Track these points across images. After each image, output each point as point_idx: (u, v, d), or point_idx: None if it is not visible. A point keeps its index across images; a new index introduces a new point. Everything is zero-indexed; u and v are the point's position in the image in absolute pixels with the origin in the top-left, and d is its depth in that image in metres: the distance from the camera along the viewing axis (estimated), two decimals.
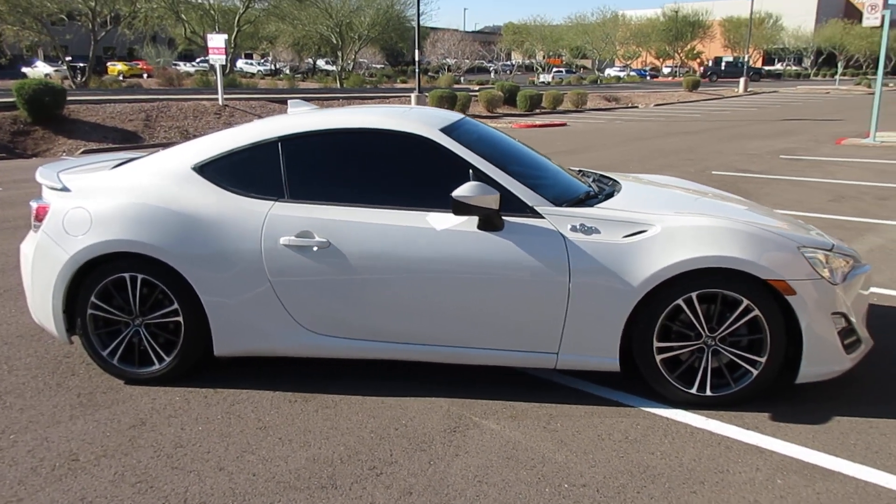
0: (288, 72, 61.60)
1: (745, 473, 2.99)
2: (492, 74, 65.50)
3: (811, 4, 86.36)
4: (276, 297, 3.71)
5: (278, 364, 4.13)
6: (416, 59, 24.81)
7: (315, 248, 3.64)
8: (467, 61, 62.50)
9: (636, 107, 32.65)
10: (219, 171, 3.83)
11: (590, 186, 4.15)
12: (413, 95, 24.87)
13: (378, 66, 64.56)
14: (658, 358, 3.53)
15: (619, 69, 75.62)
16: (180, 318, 3.80)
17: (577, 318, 3.52)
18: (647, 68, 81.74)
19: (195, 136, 18.60)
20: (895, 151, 14.25)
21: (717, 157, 13.42)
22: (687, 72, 79.02)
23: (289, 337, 3.77)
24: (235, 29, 35.94)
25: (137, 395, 3.77)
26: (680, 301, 3.46)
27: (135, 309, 3.85)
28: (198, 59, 61.36)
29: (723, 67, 67.09)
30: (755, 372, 3.49)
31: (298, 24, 41.00)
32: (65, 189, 3.93)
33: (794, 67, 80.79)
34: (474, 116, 25.27)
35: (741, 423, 3.42)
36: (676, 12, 73.50)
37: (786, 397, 3.66)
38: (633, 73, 70.76)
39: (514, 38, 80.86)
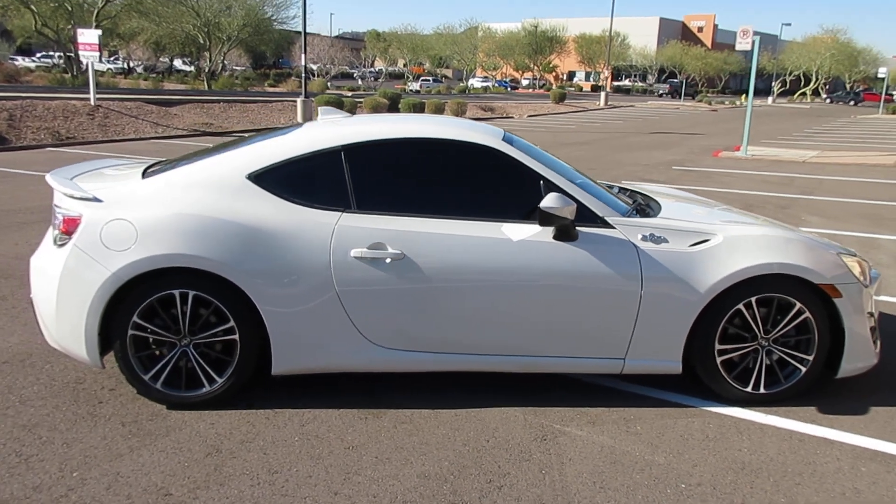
0: (141, 71, 58.17)
1: (830, 464, 3.25)
2: (359, 81, 65.29)
3: (653, 26, 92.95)
4: (343, 310, 3.58)
5: (311, 380, 3.97)
6: (304, 63, 24.28)
7: (388, 260, 3.55)
8: (332, 67, 61.85)
9: (511, 117, 33.72)
10: (277, 180, 3.64)
11: (628, 198, 4.32)
12: (299, 100, 24.30)
13: (239, 69, 62.47)
14: (719, 360, 3.75)
15: (481, 80, 77.68)
16: (236, 336, 3.57)
17: (645, 324, 3.67)
18: (508, 80, 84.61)
19: (69, 139, 17.24)
20: (766, 163, 15.70)
21: (619, 168, 14.19)
22: (544, 84, 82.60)
23: (354, 351, 3.65)
24: (93, 24, 33.54)
25: (190, 421, 3.51)
26: (741, 305, 3.69)
27: (183, 328, 3.58)
28: (38, 54, 56.60)
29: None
30: (804, 369, 3.79)
31: (162, 22, 38.90)
32: (95, 199, 3.58)
33: (640, 84, 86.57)
34: None
35: (798, 417, 3.70)
36: (536, 27, 76.66)
37: (823, 392, 3.98)
38: (497, 84, 72.95)
39: (378, 46, 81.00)
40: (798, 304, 3.70)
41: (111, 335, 3.56)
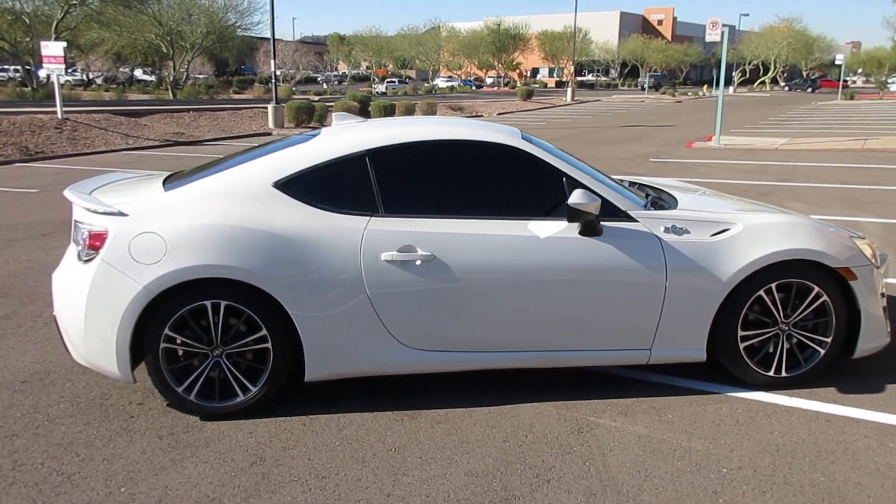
0: (101, 82, 57.16)
1: (860, 441, 3.36)
2: (324, 85, 64.99)
3: (614, 20, 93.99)
4: (375, 314, 3.60)
5: (342, 385, 3.99)
6: (273, 69, 24.11)
7: (418, 262, 3.58)
8: (294, 71, 61.48)
9: (481, 115, 33.83)
10: (303, 187, 3.65)
11: (640, 191, 4.40)
12: (270, 107, 24.15)
13: (202, 77, 61.75)
14: (742, 346, 3.84)
15: (445, 79, 77.84)
16: (269, 345, 3.57)
17: (671, 314, 3.75)
18: (472, 79, 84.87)
19: (38, 153, 16.91)
20: (740, 152, 16.00)
21: (597, 163, 14.35)
22: (508, 82, 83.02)
23: (387, 355, 3.67)
24: (52, 35, 32.92)
25: (227, 431, 3.50)
26: (761, 292, 3.79)
27: (215, 339, 3.57)
28: None
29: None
30: (822, 352, 3.90)
31: (123, 32, 38.28)
32: (121, 213, 3.55)
33: (603, 78, 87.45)
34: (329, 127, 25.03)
35: (820, 398, 3.81)
36: (499, 25, 77.01)
37: (841, 373, 4.10)
38: (462, 84, 73.15)
39: (341, 49, 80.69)
40: (816, 288, 3.81)
41: (143, 349, 3.54)
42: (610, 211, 3.75)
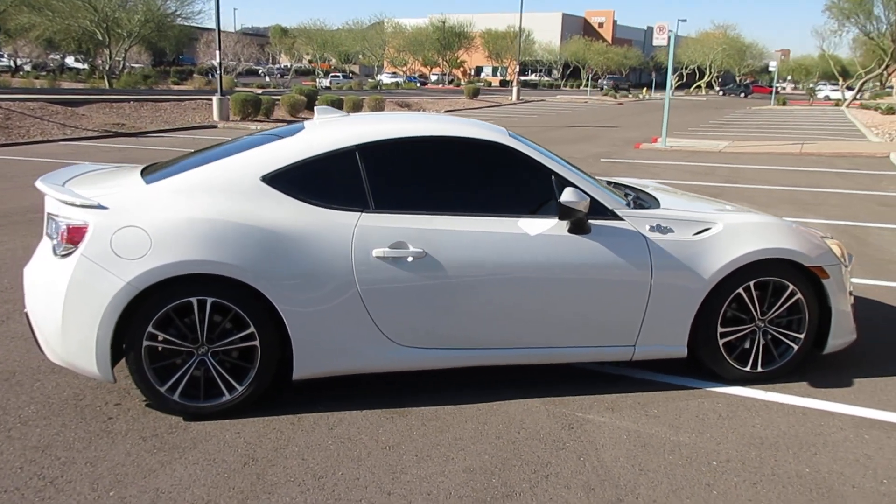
0: (30, 69, 54.82)
1: (837, 433, 3.50)
2: (266, 78, 63.82)
3: (556, 22, 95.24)
4: (365, 311, 3.56)
5: (328, 383, 3.94)
6: (219, 60, 23.55)
7: (410, 259, 3.56)
8: (235, 63, 60.13)
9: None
10: (292, 181, 3.58)
11: (620, 191, 4.47)
12: (215, 99, 23.64)
13: (138, 66, 59.84)
14: (721, 342, 3.95)
15: (389, 75, 77.49)
16: (256, 343, 3.50)
17: (654, 311, 3.83)
18: (416, 75, 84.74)
19: None
20: (686, 154, 16.43)
21: None
22: (452, 80, 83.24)
23: (377, 352, 3.64)
24: None
25: (214, 431, 3.41)
26: (740, 290, 3.90)
27: (201, 336, 3.47)
28: None
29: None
30: (796, 347, 4.05)
31: (56, 17, 36.81)
32: (101, 206, 3.42)
33: (546, 78, 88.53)
34: (280, 121, 24.66)
35: (794, 392, 3.94)
36: (444, 23, 77.07)
37: (809, 369, 4.26)
38: (408, 80, 72.95)
39: (283, 42, 79.44)
40: (791, 286, 3.94)
41: (123, 347, 3.41)
42: (597, 209, 3.80)
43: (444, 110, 35.09)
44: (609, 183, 4.90)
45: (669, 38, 16.81)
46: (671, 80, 17.79)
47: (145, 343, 3.40)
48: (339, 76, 64.88)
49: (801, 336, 4.03)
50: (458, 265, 3.60)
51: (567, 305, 3.74)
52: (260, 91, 36.86)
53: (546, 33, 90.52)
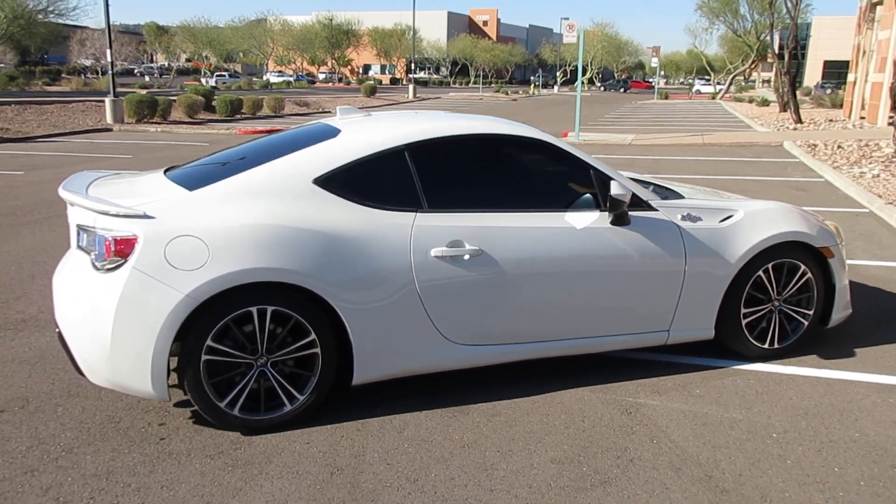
0: None
1: (865, 399, 3.79)
2: (146, 78, 60.87)
3: (442, 20, 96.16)
4: (423, 311, 3.54)
5: (367, 388, 3.89)
6: (111, 59, 22.27)
7: (466, 257, 3.56)
8: (115, 63, 56.84)
9: (329, 112, 33.38)
10: (344, 183, 3.50)
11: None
12: (108, 100, 22.35)
13: (2, 66, 55.60)
14: (743, 322, 4.19)
15: (276, 74, 75.75)
16: (317, 350, 3.40)
17: (688, 296, 4.01)
18: (304, 74, 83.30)
19: None
20: (599, 147, 17.06)
21: None
22: (341, 78, 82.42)
23: (434, 352, 3.62)
24: None
25: (281, 444, 3.30)
26: (760, 272, 4.15)
27: (261, 347, 3.34)
28: None
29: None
30: (805, 323, 4.34)
31: None
32: (146, 216, 3.22)
33: (435, 76, 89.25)
34: (176, 123, 23.63)
35: (808, 364, 4.23)
36: (331, 20, 76.08)
37: (812, 343, 4.58)
38: (298, 79, 71.54)
39: (161, 39, 76.02)
40: (803, 267, 4.23)
41: (178, 363, 3.24)
42: (634, 201, 3.93)
43: None
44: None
45: (579, 35, 17.39)
46: (581, 76, 18.39)
47: (204, 357, 3.24)
48: (224, 75, 62.84)
49: (811, 312, 4.34)
50: (511, 261, 3.63)
51: (611, 295, 3.85)
52: (144, 91, 35.15)
53: (432, 31, 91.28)
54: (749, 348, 4.25)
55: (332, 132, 3.79)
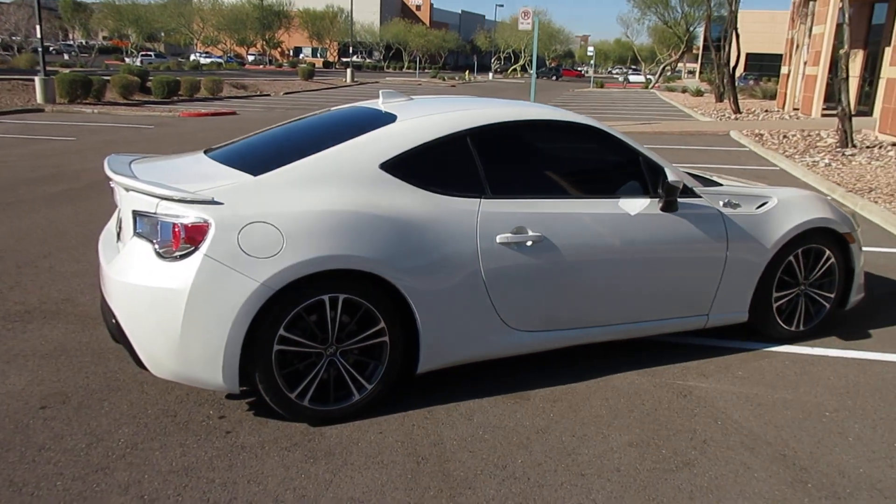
0: None
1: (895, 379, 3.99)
2: (65, 56, 57.90)
3: (375, 3, 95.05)
4: (487, 298, 3.52)
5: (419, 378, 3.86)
6: (41, 36, 21.09)
7: (529, 244, 3.56)
8: (20, 39, 53.85)
9: (268, 95, 32.62)
10: (409, 168, 3.44)
11: None
12: (38, 79, 21.23)
13: None
14: (775, 305, 4.34)
15: (203, 55, 73.39)
16: (386, 338, 3.35)
17: (728, 281, 4.12)
18: (233, 55, 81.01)
19: None
20: None
21: None
22: (272, 61, 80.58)
23: (496, 338, 3.61)
24: None
25: (353, 435, 3.23)
26: (791, 257, 4.30)
27: (331, 336, 3.26)
28: None
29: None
30: (827, 306, 4.53)
31: None
32: (215, 202, 3.08)
33: (368, 60, 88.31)
34: (112, 104, 22.64)
35: (832, 345, 4.42)
36: (261, 1, 74.14)
37: (829, 325, 4.78)
38: (228, 61, 69.50)
39: (77, 16, 72.45)
40: (828, 251, 4.41)
41: (251, 354, 3.13)
42: (682, 188, 4.00)
43: (283, 92, 34.01)
44: None
45: (534, 22, 17.51)
46: (534, 63, 18.55)
47: (276, 347, 3.14)
48: (150, 55, 60.47)
49: (832, 295, 4.52)
50: (571, 247, 3.65)
51: (659, 280, 3.92)
52: (67, 70, 33.45)
53: (365, 14, 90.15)
54: (777, 330, 4.40)
55: (388, 117, 3.70)
